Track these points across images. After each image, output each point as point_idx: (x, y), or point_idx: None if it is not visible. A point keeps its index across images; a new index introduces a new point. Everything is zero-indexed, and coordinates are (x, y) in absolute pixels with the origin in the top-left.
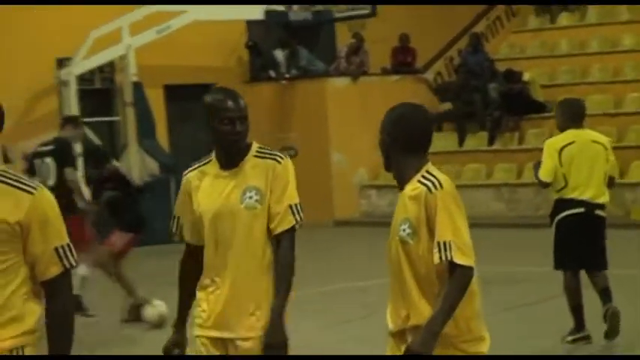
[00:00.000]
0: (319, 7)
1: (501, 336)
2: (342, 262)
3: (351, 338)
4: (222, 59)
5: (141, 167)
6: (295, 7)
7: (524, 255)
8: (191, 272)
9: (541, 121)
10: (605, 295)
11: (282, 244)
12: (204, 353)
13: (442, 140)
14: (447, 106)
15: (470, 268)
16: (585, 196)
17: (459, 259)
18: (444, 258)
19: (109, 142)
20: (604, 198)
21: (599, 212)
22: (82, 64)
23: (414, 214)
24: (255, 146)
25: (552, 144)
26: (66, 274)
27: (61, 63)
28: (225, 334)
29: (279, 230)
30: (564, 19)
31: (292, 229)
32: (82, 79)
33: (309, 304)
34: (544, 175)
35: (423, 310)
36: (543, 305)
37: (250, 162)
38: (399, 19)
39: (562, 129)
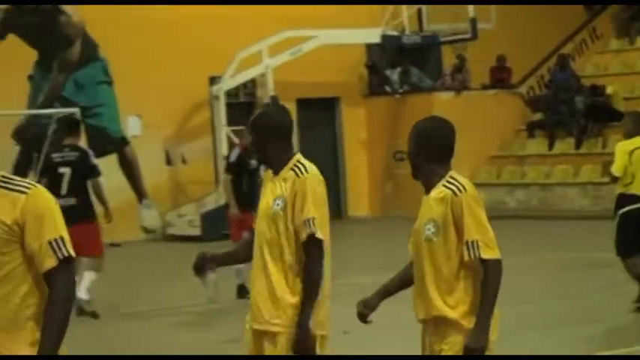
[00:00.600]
0: (428, 32)
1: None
2: None
3: None
4: (345, 76)
5: None
6: (407, 31)
7: (607, 243)
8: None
9: (622, 128)
10: None
11: (306, 254)
12: (249, 343)
13: (534, 145)
14: (538, 116)
15: (498, 260)
16: None
17: (486, 255)
18: (472, 256)
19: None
20: None
21: None
22: (229, 81)
23: (439, 214)
24: (294, 159)
25: (623, 146)
26: (61, 266)
27: (213, 80)
28: (255, 325)
29: (301, 240)
30: None
31: (311, 240)
32: (229, 94)
33: None
34: (616, 170)
35: (441, 307)
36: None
37: (284, 173)
38: (496, 42)
39: (631, 135)
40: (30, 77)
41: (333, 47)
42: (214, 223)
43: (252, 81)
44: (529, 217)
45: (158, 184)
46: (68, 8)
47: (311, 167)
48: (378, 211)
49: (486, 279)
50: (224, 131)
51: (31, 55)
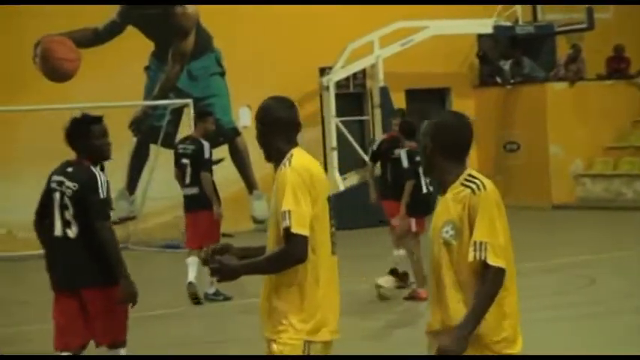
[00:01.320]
0: (542, 22)
1: None
2: (560, 239)
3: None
4: (455, 67)
5: None
6: (520, 21)
7: None
8: None
9: None
10: None
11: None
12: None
13: None
14: None
15: (502, 270)
16: None
17: (491, 260)
18: (477, 257)
19: (359, 137)
20: None
21: None
22: (340, 72)
23: (457, 215)
24: (289, 155)
25: None
26: None
27: (323, 71)
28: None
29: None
30: None
31: (286, 232)
32: (339, 84)
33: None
34: None
35: (458, 315)
36: None
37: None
38: (613, 32)
39: None
40: (146, 68)
41: (444, 38)
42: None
43: (363, 72)
44: None
45: (268, 175)
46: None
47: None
48: None
49: (485, 284)
50: (333, 122)
51: (148, 46)
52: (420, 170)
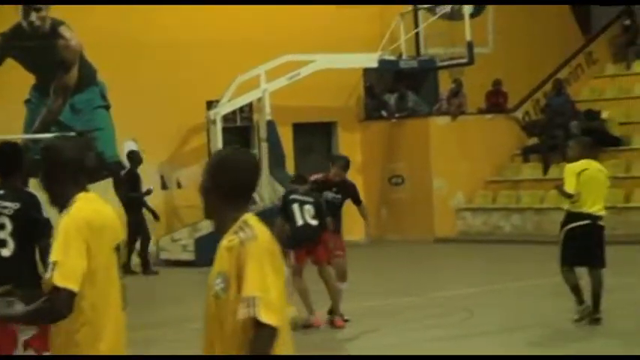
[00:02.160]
0: (425, 57)
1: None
2: (442, 273)
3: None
4: (342, 101)
5: (271, 193)
6: (404, 56)
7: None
8: None
9: (617, 153)
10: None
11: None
12: None
13: (529, 170)
14: (534, 140)
15: (274, 328)
16: (593, 209)
17: (263, 317)
18: (247, 314)
19: None
20: (603, 212)
21: (599, 222)
22: (226, 106)
23: (228, 266)
24: (73, 200)
25: (572, 168)
26: None
27: (210, 104)
28: None
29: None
30: (638, 66)
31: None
32: (226, 118)
33: (414, 310)
34: (570, 188)
35: None
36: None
37: None
38: (493, 66)
39: (576, 159)
40: (27, 101)
41: (331, 72)
42: (208, 248)
43: (249, 105)
44: (524, 241)
45: (156, 206)
46: (66, 32)
47: None
48: (373, 235)
49: (256, 343)
50: None
51: (29, 79)
52: (294, 206)
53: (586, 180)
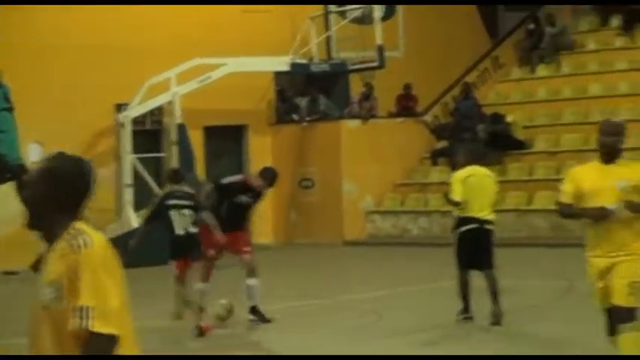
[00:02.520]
0: (337, 60)
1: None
2: (352, 276)
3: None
4: (253, 104)
5: None
6: (316, 59)
7: (509, 270)
8: None
9: (521, 157)
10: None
11: None
12: None
13: (437, 173)
14: (443, 143)
15: (111, 337)
16: (480, 214)
17: (97, 327)
18: (80, 325)
19: (155, 174)
20: (491, 216)
21: (487, 227)
22: (136, 109)
23: (59, 275)
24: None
25: (458, 175)
26: None
27: (119, 107)
28: None
29: None
30: (542, 70)
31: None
32: (136, 121)
33: (323, 313)
34: (457, 196)
35: None
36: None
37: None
38: (404, 70)
39: (461, 166)
40: None
41: (242, 75)
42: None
43: (159, 108)
44: (431, 244)
45: None
46: None
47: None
48: (283, 238)
49: (89, 351)
50: (129, 159)
51: None
52: (172, 213)
53: (472, 186)
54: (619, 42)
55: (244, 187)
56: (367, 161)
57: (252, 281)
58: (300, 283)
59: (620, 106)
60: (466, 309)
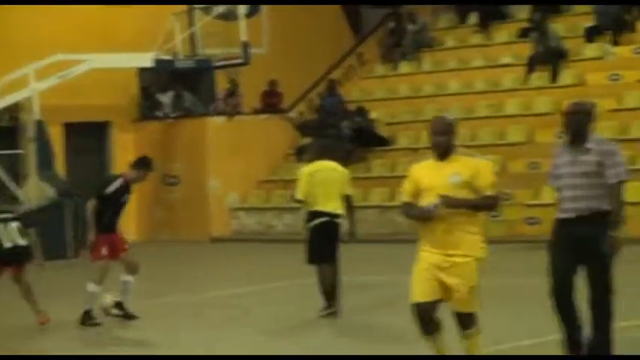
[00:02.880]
0: (201, 57)
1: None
2: (217, 273)
3: (225, 338)
4: (115, 100)
5: (38, 194)
6: (180, 55)
7: (372, 266)
8: None
9: (384, 153)
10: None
11: None
12: None
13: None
14: (308, 140)
15: None
16: (327, 208)
17: None
18: None
19: (12, 171)
20: (340, 210)
21: (337, 220)
22: None
23: None
24: None
25: (305, 171)
26: None
27: None
28: None
29: None
30: (404, 67)
31: None
32: None
33: (190, 309)
34: (299, 194)
35: None
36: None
37: None
38: (269, 67)
39: (310, 161)
40: None
41: (105, 71)
42: None
43: (17, 104)
44: (295, 240)
45: None
46: None
47: None
48: (146, 235)
49: None
50: None
51: None
52: None
53: (318, 181)
54: (476, 39)
55: (126, 187)
56: (232, 158)
57: (129, 277)
58: (164, 279)
59: (476, 103)
60: (329, 304)
